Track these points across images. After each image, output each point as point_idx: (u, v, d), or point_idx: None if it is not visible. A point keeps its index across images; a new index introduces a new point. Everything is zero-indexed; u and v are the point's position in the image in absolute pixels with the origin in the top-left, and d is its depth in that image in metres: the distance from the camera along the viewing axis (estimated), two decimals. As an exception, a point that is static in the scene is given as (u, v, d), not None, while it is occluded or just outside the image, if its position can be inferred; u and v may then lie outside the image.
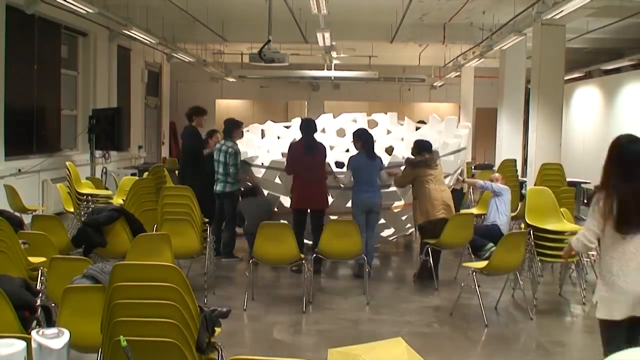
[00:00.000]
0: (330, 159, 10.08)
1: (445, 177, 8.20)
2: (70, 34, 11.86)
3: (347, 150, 10.07)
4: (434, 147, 7.45)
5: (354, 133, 7.67)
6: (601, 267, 3.57)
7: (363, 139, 7.36)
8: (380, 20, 12.89)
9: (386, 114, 10.26)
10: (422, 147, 7.13)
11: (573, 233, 6.20)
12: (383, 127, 10.10)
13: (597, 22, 11.68)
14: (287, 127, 10.32)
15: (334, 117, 10.46)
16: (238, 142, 8.18)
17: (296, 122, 10.26)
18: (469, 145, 11.66)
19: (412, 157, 7.19)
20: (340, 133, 10.61)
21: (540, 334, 5.08)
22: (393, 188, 7.55)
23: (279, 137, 10.01)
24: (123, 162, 13.78)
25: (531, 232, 6.21)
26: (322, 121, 10.37)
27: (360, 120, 10.30)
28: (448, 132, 9.03)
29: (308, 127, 7.44)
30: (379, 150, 10.01)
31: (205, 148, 8.43)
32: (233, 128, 7.86)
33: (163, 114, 18.14)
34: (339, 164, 9.73)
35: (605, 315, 3.50)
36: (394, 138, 10.01)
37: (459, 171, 8.72)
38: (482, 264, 5.80)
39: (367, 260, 6.66)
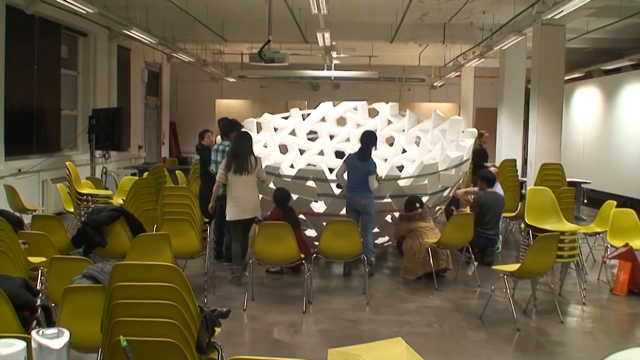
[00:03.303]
0: (330, 148, 10.08)
1: (444, 190, 8.14)
2: (70, 34, 11.86)
3: (348, 140, 10.05)
4: (435, 161, 7.58)
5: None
6: None
7: (362, 140, 7.42)
8: (380, 20, 12.89)
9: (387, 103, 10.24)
10: (414, 201, 7.34)
11: (573, 233, 6.23)
12: (384, 117, 10.05)
13: (597, 22, 11.68)
14: (286, 118, 10.26)
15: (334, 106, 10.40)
16: None
17: (295, 113, 10.24)
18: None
19: (405, 213, 7.33)
20: (341, 122, 10.57)
21: (540, 334, 5.07)
22: (388, 200, 7.57)
23: (275, 130, 9.93)
24: (123, 162, 13.79)
25: (530, 232, 6.21)
26: (322, 109, 10.33)
27: (360, 109, 10.28)
28: (452, 133, 8.93)
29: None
30: (379, 140, 9.99)
31: None
32: (230, 129, 7.83)
33: (163, 114, 18.13)
34: (339, 154, 9.72)
35: None
36: (395, 130, 9.97)
37: (460, 181, 8.62)
38: (514, 267, 5.69)
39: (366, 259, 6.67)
